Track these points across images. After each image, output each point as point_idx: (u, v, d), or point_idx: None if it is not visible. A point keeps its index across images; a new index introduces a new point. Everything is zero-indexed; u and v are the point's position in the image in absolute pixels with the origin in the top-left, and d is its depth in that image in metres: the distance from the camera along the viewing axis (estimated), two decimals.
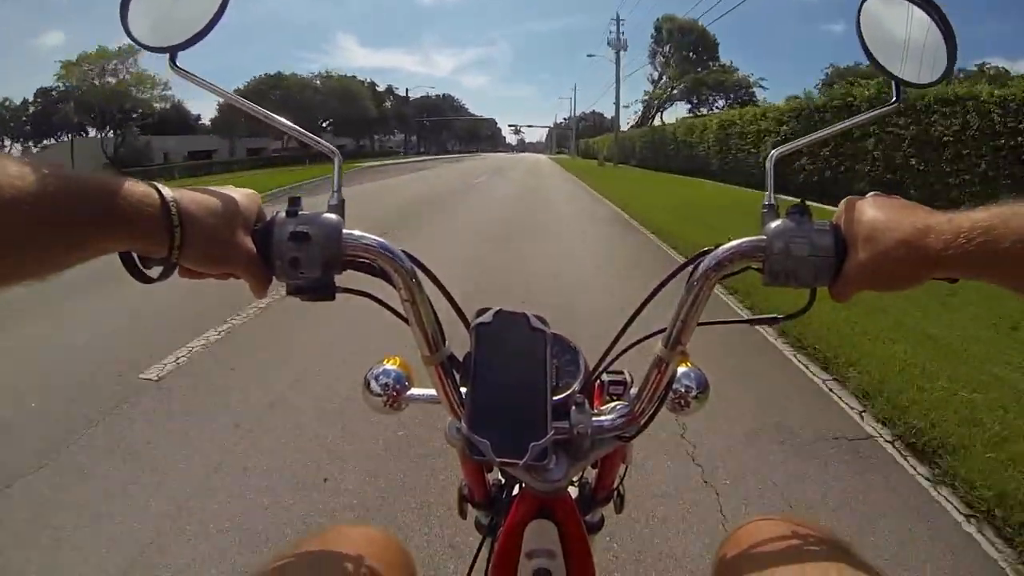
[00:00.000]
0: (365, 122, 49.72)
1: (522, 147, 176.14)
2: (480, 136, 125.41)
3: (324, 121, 42.69)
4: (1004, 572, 1.65)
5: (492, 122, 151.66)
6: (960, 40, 0.56)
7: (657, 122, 42.36)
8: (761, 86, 43.23)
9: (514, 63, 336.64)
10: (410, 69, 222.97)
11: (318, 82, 43.09)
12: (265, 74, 38.25)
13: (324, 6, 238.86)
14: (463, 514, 0.81)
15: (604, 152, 37.83)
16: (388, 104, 66.37)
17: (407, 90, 75.89)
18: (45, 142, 38.41)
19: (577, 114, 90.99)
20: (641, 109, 49.16)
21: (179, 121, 34.64)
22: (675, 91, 44.73)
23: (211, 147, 37.71)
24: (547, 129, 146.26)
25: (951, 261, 0.42)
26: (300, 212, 0.48)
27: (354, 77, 46.14)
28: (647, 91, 48.33)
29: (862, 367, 2.90)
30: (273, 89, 34.79)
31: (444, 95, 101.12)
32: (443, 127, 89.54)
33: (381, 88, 66.86)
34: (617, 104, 34.82)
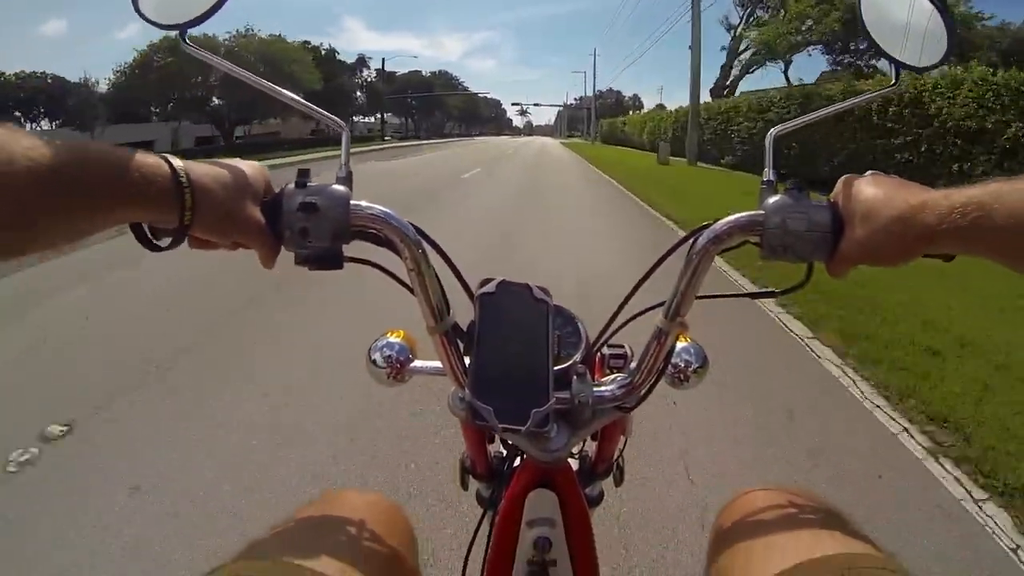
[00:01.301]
0: (319, 99, 36.74)
1: (529, 130, 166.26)
2: (482, 117, 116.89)
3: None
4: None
5: (496, 102, 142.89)
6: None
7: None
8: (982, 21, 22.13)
9: (523, 46, 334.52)
10: (418, 52, 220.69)
11: (235, 46, 29.49)
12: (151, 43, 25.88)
13: None
14: (464, 486, 0.83)
15: (661, 136, 24.05)
16: (363, 79, 56.57)
17: (384, 61, 63.09)
18: None
19: (592, 94, 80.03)
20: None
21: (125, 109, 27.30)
22: (811, 34, 23.65)
23: (151, 136, 29.28)
24: (557, 111, 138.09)
25: (946, 236, 0.43)
26: (309, 183, 0.49)
27: (284, 38, 32.26)
28: (731, 45, 29.60)
29: None
30: (164, 54, 24.84)
31: (440, 72, 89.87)
32: (436, 107, 79.77)
33: (347, 59, 53.61)
34: (695, 43, 19.23)
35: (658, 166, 17.78)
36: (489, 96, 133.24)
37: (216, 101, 30.23)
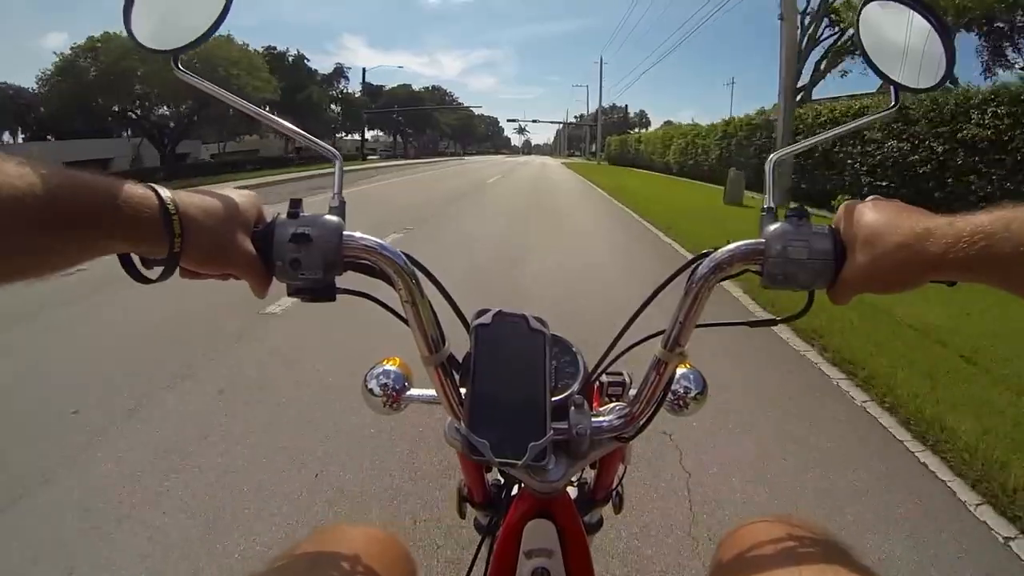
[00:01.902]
0: (281, 110, 29.08)
1: (528, 149, 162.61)
2: (477, 135, 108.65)
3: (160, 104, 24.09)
4: None
5: (493, 120, 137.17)
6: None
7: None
8: None
9: (522, 65, 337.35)
10: (417, 71, 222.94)
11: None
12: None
13: (331, 7, 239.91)
14: (462, 514, 0.81)
15: (706, 159, 18.51)
16: (339, 91, 48.81)
17: (364, 72, 52.64)
18: None
19: (596, 108, 72.16)
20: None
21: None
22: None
23: (111, 154, 25.89)
24: (556, 130, 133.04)
25: (951, 265, 0.42)
26: (301, 214, 0.49)
27: (231, 39, 24.41)
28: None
29: None
30: (88, 59, 21.06)
31: (434, 87, 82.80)
32: (428, 125, 71.99)
33: (321, 68, 49.60)
34: (787, 7, 11.02)
35: (733, 210, 10.77)
36: (480, 110, 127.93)
37: (163, 110, 25.30)
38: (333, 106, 47.23)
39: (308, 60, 40.89)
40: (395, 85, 67.34)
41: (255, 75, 25.63)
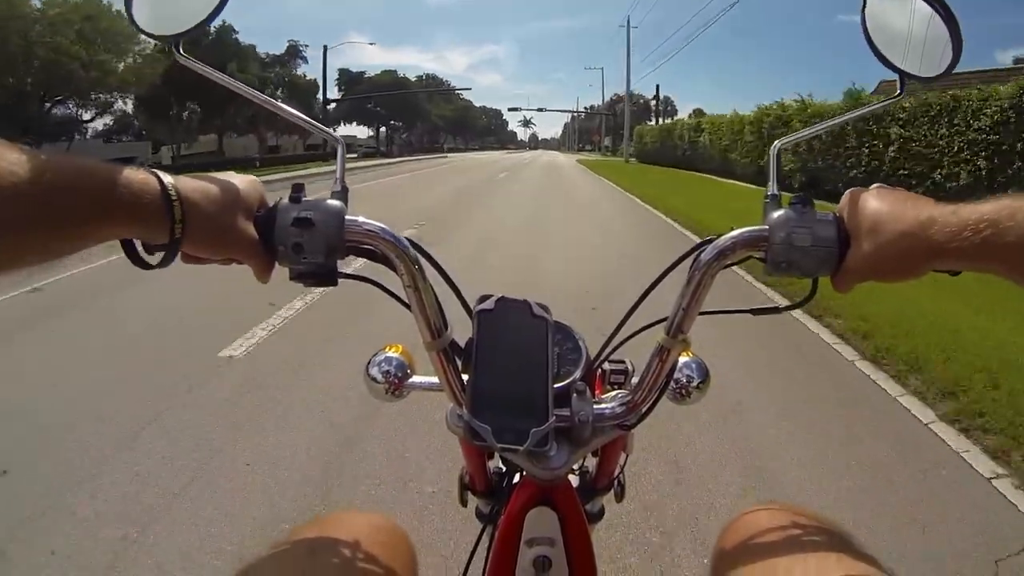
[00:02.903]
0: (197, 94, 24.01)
1: (534, 143, 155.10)
2: (475, 128, 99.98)
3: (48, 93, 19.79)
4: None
5: (496, 112, 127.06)
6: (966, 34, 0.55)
7: None
8: None
9: (528, 61, 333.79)
10: (424, 67, 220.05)
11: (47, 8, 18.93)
12: None
13: (337, 6, 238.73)
14: (463, 502, 0.82)
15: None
16: (290, 73, 38.29)
17: (326, 50, 38.31)
18: None
19: (611, 97, 66.63)
20: None
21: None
22: None
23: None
24: (565, 122, 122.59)
25: (956, 253, 0.42)
26: (304, 198, 0.49)
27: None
28: None
29: None
30: None
31: (428, 76, 72.82)
32: (417, 116, 61.80)
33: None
34: None
35: None
36: (471, 97, 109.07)
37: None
38: (279, 92, 35.82)
39: (236, 32, 30.80)
40: (379, 71, 57.14)
41: (115, 47, 18.79)
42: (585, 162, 34.82)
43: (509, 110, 76.51)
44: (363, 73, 54.39)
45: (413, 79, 65.03)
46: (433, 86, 69.59)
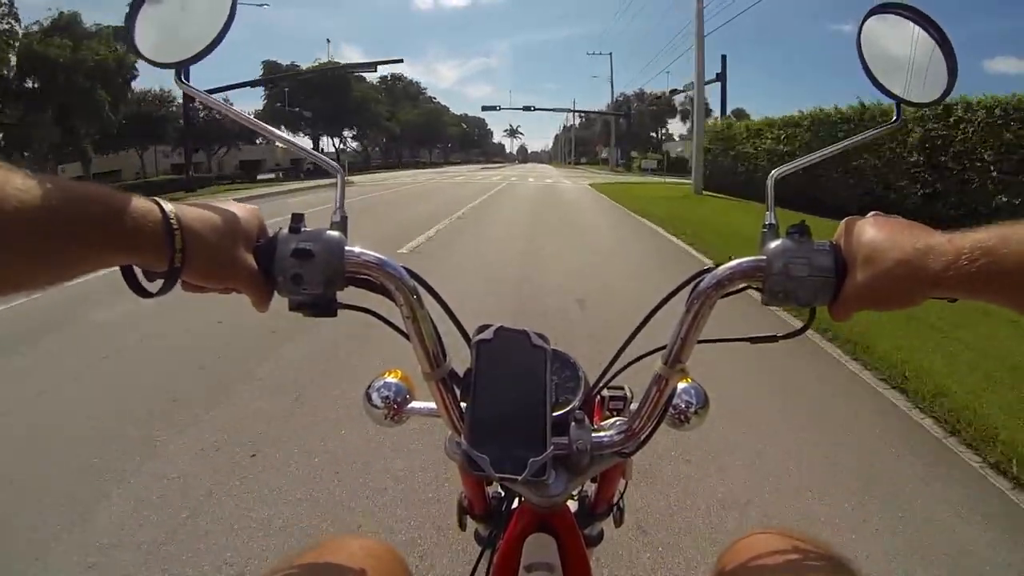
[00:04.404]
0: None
1: (524, 156, 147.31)
2: (450, 136, 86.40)
3: None
4: None
5: (480, 122, 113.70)
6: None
7: None
8: None
9: (518, 73, 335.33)
10: (414, 78, 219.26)
11: None
12: None
13: (327, 17, 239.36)
14: (462, 526, 0.82)
15: None
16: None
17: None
18: None
19: (617, 96, 56.19)
20: None
21: None
22: None
23: None
24: (555, 133, 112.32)
25: (952, 282, 0.42)
26: (303, 229, 0.49)
27: None
28: None
29: None
30: None
31: (392, 76, 59.45)
32: (369, 123, 49.68)
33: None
34: None
35: None
36: (400, 66, 79.87)
37: None
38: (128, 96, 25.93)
39: (80, 16, 22.78)
40: (315, 63, 42.34)
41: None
42: (608, 190, 18.74)
43: (483, 109, 56.88)
44: (296, 65, 41.62)
45: (376, 81, 52.06)
46: (407, 93, 59.68)
